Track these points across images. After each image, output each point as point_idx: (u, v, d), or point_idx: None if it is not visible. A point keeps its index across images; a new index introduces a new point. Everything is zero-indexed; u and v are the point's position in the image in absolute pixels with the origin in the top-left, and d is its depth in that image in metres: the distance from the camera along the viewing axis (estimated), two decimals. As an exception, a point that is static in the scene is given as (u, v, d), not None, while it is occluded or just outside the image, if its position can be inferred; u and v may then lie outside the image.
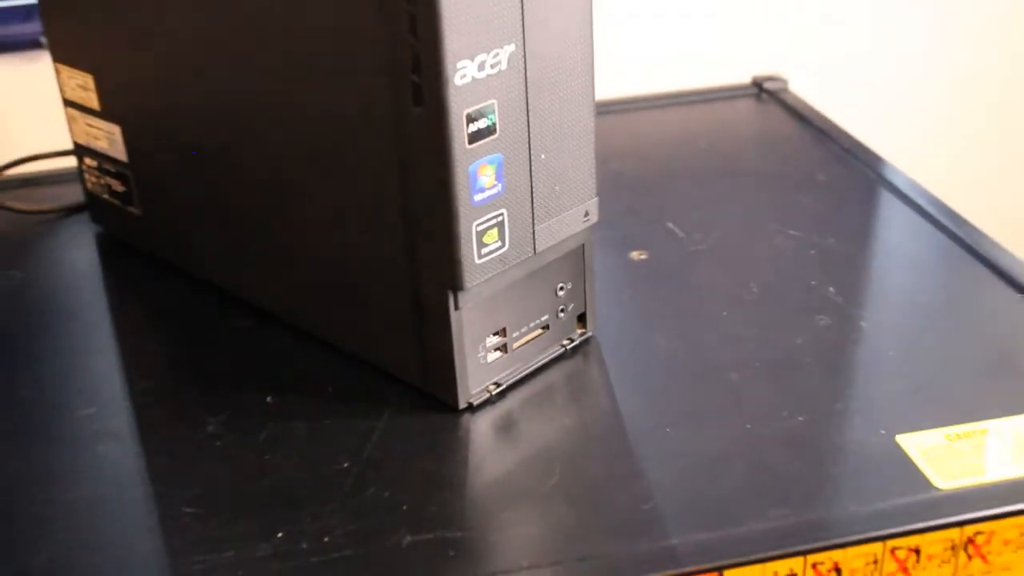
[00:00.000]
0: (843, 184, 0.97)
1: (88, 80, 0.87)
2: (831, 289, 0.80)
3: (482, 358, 0.69)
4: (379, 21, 0.60)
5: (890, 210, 0.92)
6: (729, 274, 0.83)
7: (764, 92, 1.18)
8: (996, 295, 0.79)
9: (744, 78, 1.22)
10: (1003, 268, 0.82)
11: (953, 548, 0.60)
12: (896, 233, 0.88)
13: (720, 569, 0.57)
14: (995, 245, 0.85)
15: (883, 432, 0.66)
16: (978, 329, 0.75)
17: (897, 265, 0.84)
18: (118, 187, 0.89)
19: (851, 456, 0.64)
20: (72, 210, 1.00)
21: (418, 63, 0.59)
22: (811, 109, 1.12)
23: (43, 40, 1.34)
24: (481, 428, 0.68)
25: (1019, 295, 0.79)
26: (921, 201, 0.92)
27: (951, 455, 0.64)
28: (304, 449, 0.67)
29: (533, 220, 0.66)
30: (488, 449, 0.66)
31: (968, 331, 0.75)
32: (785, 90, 1.18)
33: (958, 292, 0.80)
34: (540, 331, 0.72)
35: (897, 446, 0.65)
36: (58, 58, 0.90)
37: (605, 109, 1.15)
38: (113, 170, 0.89)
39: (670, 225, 0.90)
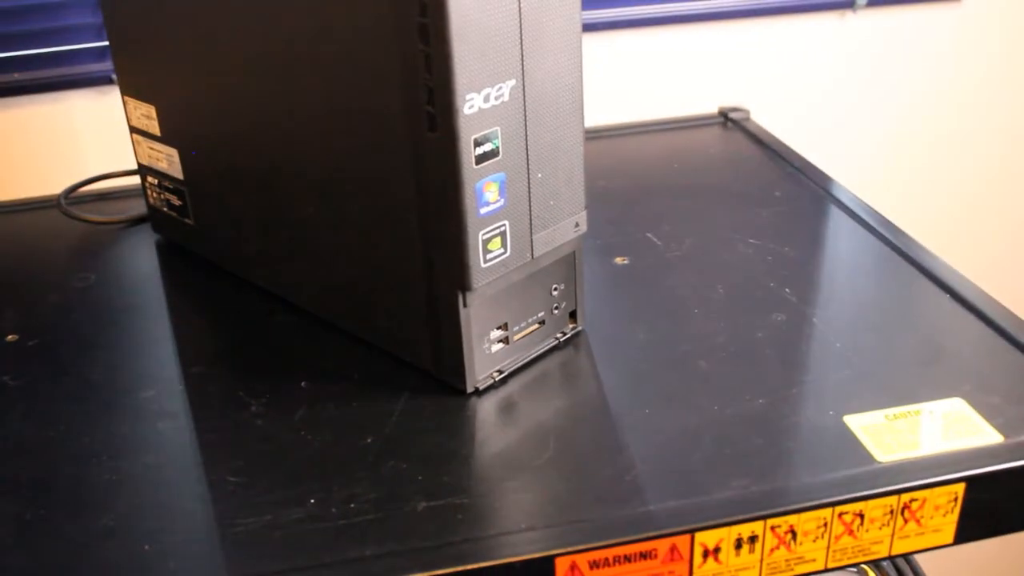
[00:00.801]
0: (796, 200, 0.96)
1: (151, 111, 0.86)
2: (786, 290, 0.80)
3: (487, 349, 0.68)
4: (399, 61, 0.60)
5: (837, 222, 0.91)
6: (699, 277, 0.82)
7: (729, 121, 1.17)
8: (926, 294, 0.78)
9: (712, 109, 1.21)
10: (932, 271, 0.81)
11: (892, 513, 0.59)
12: (842, 241, 0.87)
13: (692, 531, 0.56)
14: (925, 251, 0.84)
15: (831, 413, 0.65)
16: (911, 324, 0.75)
17: (843, 269, 0.83)
18: (175, 201, 0.89)
19: (804, 433, 0.63)
20: (136, 221, 0.99)
21: (432, 96, 0.59)
22: (770, 135, 1.11)
23: (113, 77, 1.34)
24: (486, 409, 0.67)
25: (945, 294, 0.78)
26: (863, 214, 0.91)
27: (890, 432, 0.63)
28: (334, 427, 0.66)
29: (531, 230, 0.66)
30: (492, 427, 0.66)
31: (903, 326, 0.74)
32: (747, 119, 1.17)
33: (894, 292, 0.79)
34: (537, 326, 0.72)
35: (844, 425, 0.64)
36: (126, 92, 0.89)
37: (593, 135, 1.14)
38: (171, 187, 0.88)
39: (649, 235, 0.90)
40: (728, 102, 1.22)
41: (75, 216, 0.98)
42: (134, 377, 0.74)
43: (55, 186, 1.07)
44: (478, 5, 0.57)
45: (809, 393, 0.67)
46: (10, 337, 0.79)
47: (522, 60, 0.61)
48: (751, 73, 1.56)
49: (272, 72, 0.71)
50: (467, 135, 0.59)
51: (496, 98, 0.60)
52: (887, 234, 0.87)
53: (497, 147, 0.61)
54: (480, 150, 0.60)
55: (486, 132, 0.60)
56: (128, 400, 0.71)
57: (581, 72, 0.66)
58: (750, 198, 0.96)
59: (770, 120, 1.24)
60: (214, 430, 0.67)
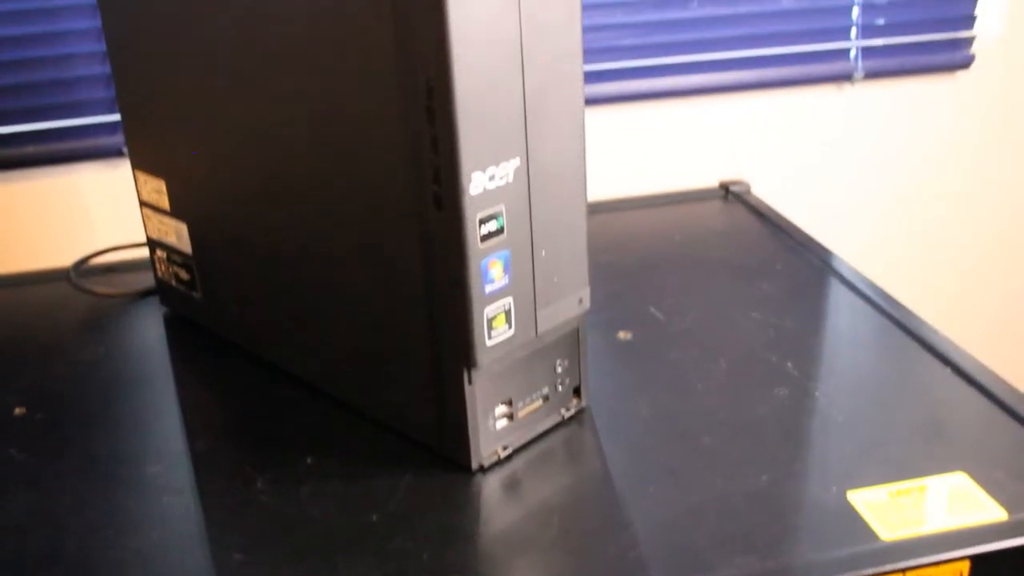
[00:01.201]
0: (797, 273, 0.96)
1: (161, 185, 0.87)
2: (788, 364, 0.80)
3: (492, 425, 0.68)
4: (406, 141, 0.61)
5: (837, 295, 0.92)
6: (702, 351, 0.82)
7: (730, 194, 1.18)
8: (927, 368, 0.79)
9: (712, 182, 1.22)
10: (932, 344, 0.81)
11: (897, 591, 0.59)
12: (842, 315, 0.88)
13: (696, 611, 0.56)
14: (924, 324, 0.85)
15: (835, 489, 0.65)
16: (913, 398, 0.75)
17: (844, 342, 0.83)
18: (184, 275, 0.89)
19: (808, 510, 0.63)
20: (144, 294, 1.00)
21: (439, 175, 0.60)
22: (770, 209, 1.12)
23: (125, 150, 1.35)
24: (491, 486, 0.67)
25: (946, 368, 0.78)
26: (863, 287, 0.92)
27: (894, 509, 0.63)
28: (339, 504, 0.66)
29: (535, 307, 0.66)
30: (497, 505, 0.65)
31: (905, 399, 0.75)
32: (748, 192, 1.18)
33: (895, 365, 0.79)
34: (541, 402, 0.72)
35: (847, 501, 0.64)
36: (137, 166, 0.90)
37: (595, 209, 1.15)
38: (180, 261, 0.89)
39: (651, 309, 0.90)
40: (728, 175, 1.23)
41: (84, 288, 0.99)
42: (140, 451, 0.74)
43: (66, 257, 1.08)
44: (483, 87, 0.58)
45: (812, 468, 0.67)
46: (17, 410, 0.80)
47: (526, 140, 0.62)
48: (751, 146, 1.58)
49: (280, 152, 0.72)
50: (472, 214, 0.60)
51: (501, 178, 0.61)
52: (887, 307, 0.88)
53: (502, 226, 0.62)
54: (485, 228, 0.61)
55: (491, 211, 0.61)
56: (134, 474, 0.71)
57: (584, 150, 0.67)
58: (751, 271, 0.97)
59: (771, 192, 1.25)
60: (220, 506, 0.67)
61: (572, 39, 0.63)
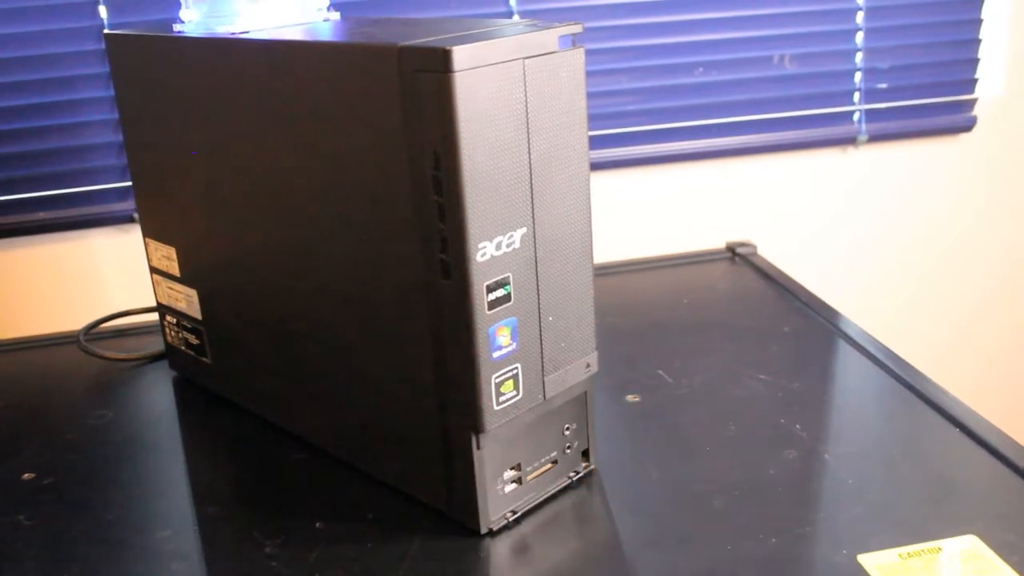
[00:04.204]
0: (805, 334, 0.97)
1: (171, 252, 0.88)
2: (797, 426, 0.80)
3: (500, 489, 0.69)
4: (414, 212, 0.62)
5: (845, 356, 0.92)
6: (711, 414, 0.83)
7: (737, 256, 1.19)
8: (936, 429, 0.79)
9: (719, 244, 1.23)
10: (941, 405, 0.81)
11: (909, 657, 0.59)
12: (851, 376, 0.88)
13: (707, 677, 0.56)
14: (933, 384, 0.85)
15: (845, 552, 0.65)
16: (922, 459, 0.75)
17: (853, 404, 0.83)
18: (193, 340, 0.90)
19: (818, 574, 0.63)
20: (154, 358, 1.00)
21: (446, 244, 0.61)
22: (777, 270, 1.13)
23: (134, 215, 1.37)
24: (500, 550, 0.67)
25: (955, 428, 0.78)
26: (871, 348, 0.92)
27: (904, 572, 0.63)
28: (348, 569, 0.66)
29: (543, 372, 0.67)
30: (506, 569, 0.65)
31: (914, 461, 0.75)
32: (755, 254, 1.19)
33: (905, 427, 0.80)
34: (550, 465, 0.72)
35: (858, 564, 0.64)
36: (147, 233, 0.92)
37: (602, 272, 1.16)
38: (189, 326, 0.90)
39: (660, 371, 0.90)
40: (735, 237, 1.24)
41: (93, 353, 1.00)
42: (149, 516, 0.74)
43: (77, 322, 1.09)
44: (490, 157, 0.60)
45: (822, 531, 0.67)
46: (26, 475, 0.80)
47: (532, 208, 0.63)
48: (757, 208, 1.59)
49: (288, 222, 0.73)
50: (480, 282, 0.61)
51: (508, 245, 0.62)
52: (896, 368, 0.88)
53: (509, 292, 0.63)
54: (492, 296, 0.62)
55: (498, 278, 0.62)
56: (142, 540, 0.71)
57: (590, 217, 0.68)
58: (759, 333, 0.97)
59: (777, 253, 1.26)
60: (228, 572, 0.67)
61: (577, 108, 0.64)
